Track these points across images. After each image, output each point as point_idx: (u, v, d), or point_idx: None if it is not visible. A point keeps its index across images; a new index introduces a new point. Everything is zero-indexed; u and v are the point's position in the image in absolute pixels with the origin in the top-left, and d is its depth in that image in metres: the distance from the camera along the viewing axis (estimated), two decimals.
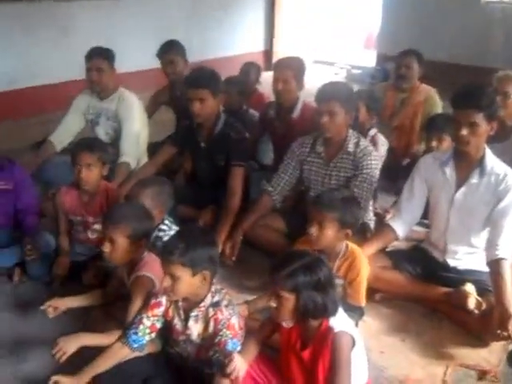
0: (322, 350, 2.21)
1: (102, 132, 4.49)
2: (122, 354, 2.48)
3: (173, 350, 2.58)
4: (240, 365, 2.26)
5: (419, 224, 3.66)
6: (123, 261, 2.73)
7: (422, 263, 3.37)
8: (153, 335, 2.52)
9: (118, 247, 2.67)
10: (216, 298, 2.43)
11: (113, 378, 2.43)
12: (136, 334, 2.48)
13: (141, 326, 2.48)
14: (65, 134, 4.51)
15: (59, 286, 3.33)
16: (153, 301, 2.51)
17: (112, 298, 2.92)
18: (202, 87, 3.71)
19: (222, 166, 3.87)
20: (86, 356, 2.49)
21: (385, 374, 2.77)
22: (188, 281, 2.34)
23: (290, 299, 2.20)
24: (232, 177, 3.79)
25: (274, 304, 2.23)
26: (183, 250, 2.32)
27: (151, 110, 4.93)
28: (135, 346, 2.48)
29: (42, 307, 2.76)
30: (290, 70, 4.13)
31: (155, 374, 2.52)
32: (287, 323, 2.33)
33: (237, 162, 3.81)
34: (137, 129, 4.38)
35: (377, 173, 3.52)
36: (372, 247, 3.28)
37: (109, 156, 3.49)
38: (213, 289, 2.44)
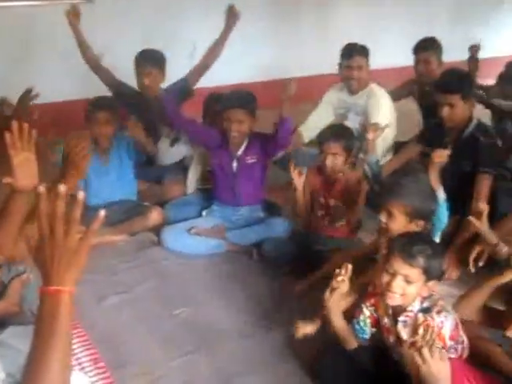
0: None
1: (350, 127, 4.47)
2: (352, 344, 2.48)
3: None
4: None
5: None
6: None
7: None
8: (373, 329, 2.46)
9: (395, 221, 2.67)
10: (426, 304, 2.27)
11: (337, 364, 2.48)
12: (358, 323, 2.47)
13: (361, 316, 2.46)
14: (313, 126, 4.60)
15: (292, 271, 3.44)
16: (370, 290, 2.45)
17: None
18: (452, 92, 3.53)
19: (468, 171, 3.60)
20: None
21: None
22: (419, 288, 2.24)
23: None
24: (478, 185, 3.52)
25: None
26: (428, 257, 2.21)
27: (397, 94, 4.79)
28: (359, 336, 2.48)
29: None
30: None
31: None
32: None
33: (484, 168, 3.53)
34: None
35: None
36: None
37: (353, 146, 3.49)
38: (424, 294, 2.29)
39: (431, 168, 3.10)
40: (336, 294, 2.44)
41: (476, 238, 3.36)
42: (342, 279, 2.42)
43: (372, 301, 2.45)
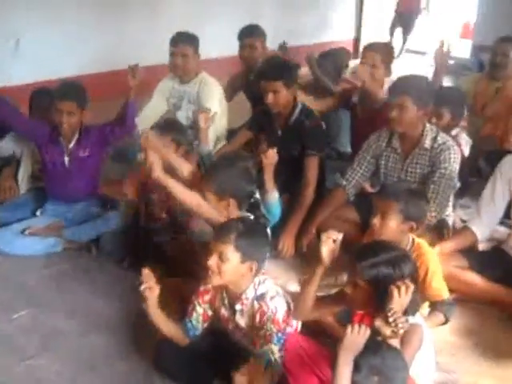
0: None
1: (184, 115, 4.53)
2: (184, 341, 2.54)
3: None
4: None
5: (502, 224, 3.51)
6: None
7: (503, 266, 3.19)
8: (205, 324, 2.54)
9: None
10: (260, 291, 2.37)
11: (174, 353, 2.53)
12: (191, 322, 2.51)
13: (194, 314, 2.51)
14: (149, 116, 4.58)
15: (130, 264, 3.40)
16: (202, 288, 2.50)
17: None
18: (275, 79, 3.66)
19: (296, 155, 3.79)
20: None
21: (452, 378, 2.65)
22: (235, 266, 2.31)
23: (366, 290, 2.16)
24: (307, 167, 3.73)
25: (348, 291, 2.21)
26: (241, 234, 2.30)
27: (229, 95, 4.90)
28: (191, 333, 2.53)
29: None
30: (379, 55, 4.07)
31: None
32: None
33: (312, 151, 3.73)
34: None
35: (456, 167, 3.33)
36: (448, 246, 3.16)
37: (184, 138, 3.50)
38: (256, 280, 2.38)
39: (265, 169, 3.11)
40: (150, 300, 2.43)
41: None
42: (149, 286, 2.41)
43: (206, 298, 2.50)
